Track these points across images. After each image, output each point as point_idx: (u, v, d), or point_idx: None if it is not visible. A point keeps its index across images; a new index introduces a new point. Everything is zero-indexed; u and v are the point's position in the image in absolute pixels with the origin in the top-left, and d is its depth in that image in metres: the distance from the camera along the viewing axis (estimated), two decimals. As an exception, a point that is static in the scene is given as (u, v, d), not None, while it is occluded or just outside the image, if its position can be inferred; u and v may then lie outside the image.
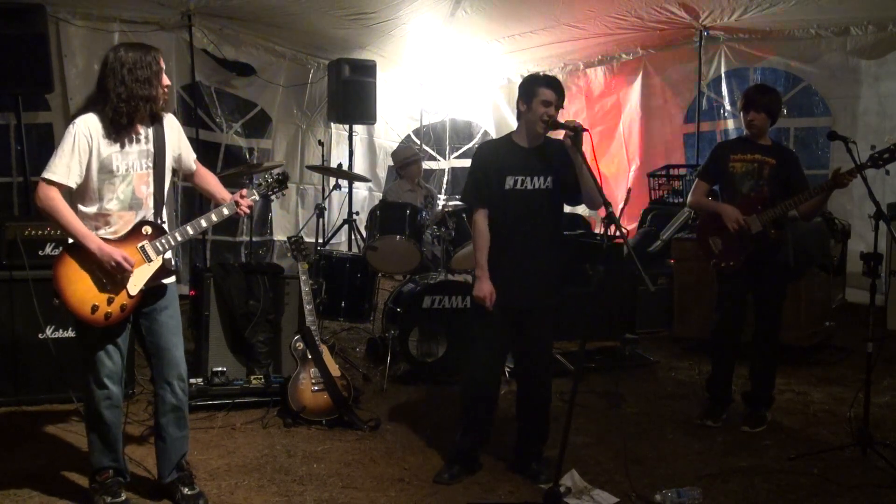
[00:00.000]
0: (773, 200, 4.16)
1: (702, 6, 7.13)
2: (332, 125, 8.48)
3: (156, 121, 3.15)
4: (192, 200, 7.26)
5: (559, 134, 3.51)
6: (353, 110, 7.69)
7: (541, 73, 3.65)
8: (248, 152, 7.94)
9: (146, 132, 3.12)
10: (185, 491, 3.26)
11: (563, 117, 3.52)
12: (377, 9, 7.00)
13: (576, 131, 3.34)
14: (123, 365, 3.22)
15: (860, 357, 4.28)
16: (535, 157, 3.55)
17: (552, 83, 3.54)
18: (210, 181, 3.48)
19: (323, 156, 7.61)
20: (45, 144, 6.42)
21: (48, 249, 4.34)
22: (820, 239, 5.67)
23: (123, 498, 3.19)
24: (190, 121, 7.21)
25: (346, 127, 8.04)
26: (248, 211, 3.33)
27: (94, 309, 3.00)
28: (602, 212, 3.55)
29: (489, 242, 3.56)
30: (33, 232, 4.32)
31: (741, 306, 4.35)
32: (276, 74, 7.91)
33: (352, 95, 7.59)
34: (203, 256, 7.28)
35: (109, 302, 3.03)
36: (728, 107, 7.89)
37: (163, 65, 3.08)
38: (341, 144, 8.51)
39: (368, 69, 7.72)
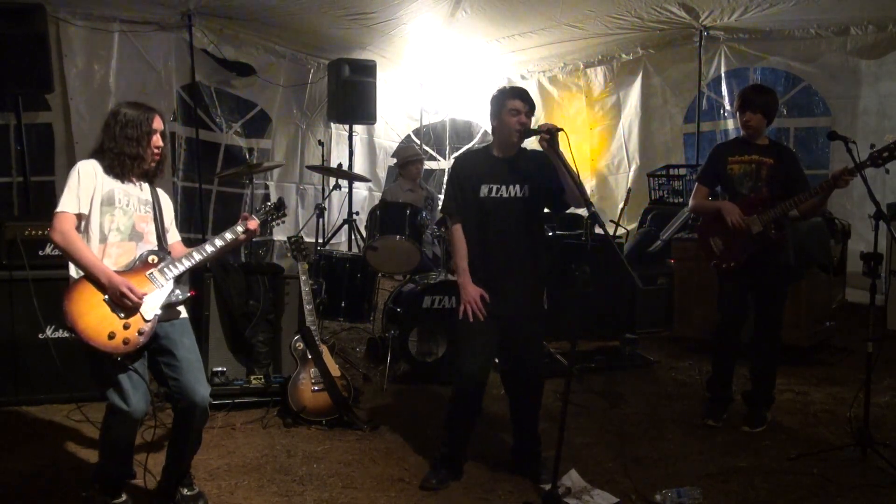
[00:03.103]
0: (772, 200, 4.16)
1: (702, 6, 7.13)
2: (332, 125, 8.49)
3: (150, 182, 3.26)
4: (191, 201, 7.27)
5: (533, 142, 3.53)
6: (353, 110, 7.70)
7: (506, 86, 3.66)
8: (247, 152, 7.94)
9: (142, 186, 3.23)
10: (185, 492, 3.26)
11: (555, 119, 3.52)
12: (377, 9, 7.01)
13: (550, 133, 3.35)
14: (147, 400, 3.10)
15: (860, 357, 4.28)
16: (510, 166, 3.58)
17: (517, 93, 3.59)
18: (184, 248, 3.47)
19: (323, 156, 7.62)
20: (45, 144, 6.42)
21: (48, 249, 4.36)
22: (820, 239, 5.67)
23: (123, 498, 3.19)
24: (190, 121, 7.22)
25: (346, 127, 8.05)
26: (254, 228, 3.37)
27: (112, 336, 2.96)
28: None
29: (468, 252, 3.59)
30: (33, 232, 4.32)
31: (742, 307, 4.34)
32: (276, 74, 7.92)
33: (352, 95, 7.60)
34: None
35: (126, 327, 3.00)
36: (728, 107, 7.89)
37: (157, 126, 3.16)
38: (341, 144, 8.52)
39: (368, 69, 7.73)
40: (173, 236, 3.36)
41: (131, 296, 2.98)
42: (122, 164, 3.11)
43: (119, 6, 6.52)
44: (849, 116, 7.12)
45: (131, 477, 3.30)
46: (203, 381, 3.20)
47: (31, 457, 3.71)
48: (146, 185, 3.25)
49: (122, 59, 6.66)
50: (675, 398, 4.91)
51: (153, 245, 3.19)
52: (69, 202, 3.04)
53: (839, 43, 7.14)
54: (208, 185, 7.44)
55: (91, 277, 3.00)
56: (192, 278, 4.88)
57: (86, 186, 3.06)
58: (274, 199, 3.69)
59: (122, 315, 2.99)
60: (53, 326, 4.35)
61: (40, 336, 4.31)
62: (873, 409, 4.04)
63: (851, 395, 4.27)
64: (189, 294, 3.23)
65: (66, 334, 4.35)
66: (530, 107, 3.55)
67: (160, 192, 3.32)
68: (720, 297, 4.41)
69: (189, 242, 3.39)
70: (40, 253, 4.34)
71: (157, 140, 3.16)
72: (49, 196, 6.10)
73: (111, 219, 3.09)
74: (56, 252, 4.28)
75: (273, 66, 7.87)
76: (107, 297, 2.98)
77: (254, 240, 7.61)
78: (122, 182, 3.14)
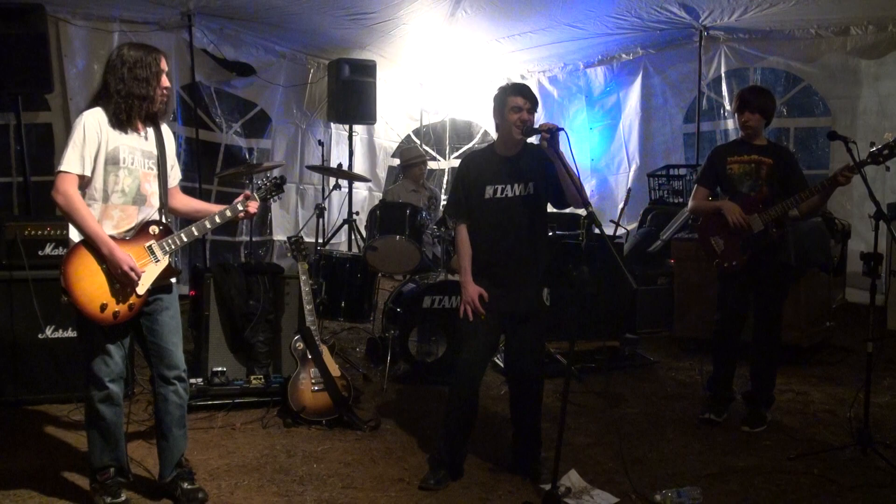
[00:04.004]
0: (772, 199, 4.17)
1: (702, 6, 7.14)
2: (332, 125, 8.49)
3: (155, 124, 3.20)
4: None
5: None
6: (353, 110, 7.70)
7: (509, 83, 3.69)
8: (247, 152, 7.95)
9: (147, 133, 3.17)
10: (185, 486, 3.26)
11: (555, 120, 3.54)
12: (377, 9, 7.01)
13: (551, 132, 3.37)
14: (125, 364, 3.23)
15: (860, 357, 4.29)
16: (515, 165, 3.59)
17: (520, 89, 3.59)
18: (193, 200, 3.49)
19: (323, 156, 7.62)
20: (45, 144, 6.42)
21: (48, 249, 4.35)
22: (820, 239, 5.67)
23: (124, 498, 3.19)
24: (190, 121, 7.22)
25: (346, 127, 8.06)
26: (254, 211, 3.37)
27: (104, 307, 3.00)
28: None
29: (473, 252, 3.61)
30: (33, 232, 4.32)
31: (743, 306, 4.35)
32: (276, 74, 7.93)
33: (352, 95, 7.60)
34: (203, 256, 7.29)
35: (118, 301, 3.03)
36: (728, 107, 7.89)
37: (164, 67, 3.12)
38: (341, 144, 8.52)
39: (368, 69, 7.73)
40: (175, 177, 3.33)
41: (132, 275, 3.00)
42: (129, 107, 3.03)
43: (119, 6, 6.51)
44: (849, 116, 7.12)
45: (126, 472, 3.29)
46: (180, 347, 3.26)
47: (31, 457, 3.71)
48: (150, 131, 3.18)
49: (122, 59, 6.66)
50: (675, 398, 4.91)
51: (155, 208, 3.18)
52: (73, 161, 2.97)
53: (839, 43, 7.14)
54: (208, 185, 7.43)
55: (92, 245, 3.00)
56: (192, 278, 4.90)
57: (91, 144, 2.99)
58: (273, 201, 3.67)
59: (118, 287, 3.01)
60: (53, 326, 4.35)
61: (40, 336, 4.31)
62: (873, 409, 4.04)
63: (851, 395, 4.27)
64: (180, 269, 3.27)
65: (66, 334, 4.36)
66: (532, 103, 3.54)
67: (164, 129, 3.26)
68: (720, 296, 4.42)
69: (189, 243, 3.38)
70: (40, 253, 4.34)
71: (165, 80, 3.13)
72: (49, 196, 6.10)
73: (115, 179, 3.05)
74: (56, 252, 4.30)
75: (273, 66, 7.88)
76: (105, 266, 3.00)
77: (254, 239, 7.71)
78: (127, 132, 3.07)
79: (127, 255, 3.02)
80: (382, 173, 9.24)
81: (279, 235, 8.19)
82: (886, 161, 3.84)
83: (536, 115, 3.58)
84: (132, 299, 3.07)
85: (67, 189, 2.96)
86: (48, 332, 4.33)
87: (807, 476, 3.65)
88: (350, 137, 7.96)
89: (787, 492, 3.50)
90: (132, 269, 3.00)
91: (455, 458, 3.65)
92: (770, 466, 3.78)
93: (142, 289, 3.08)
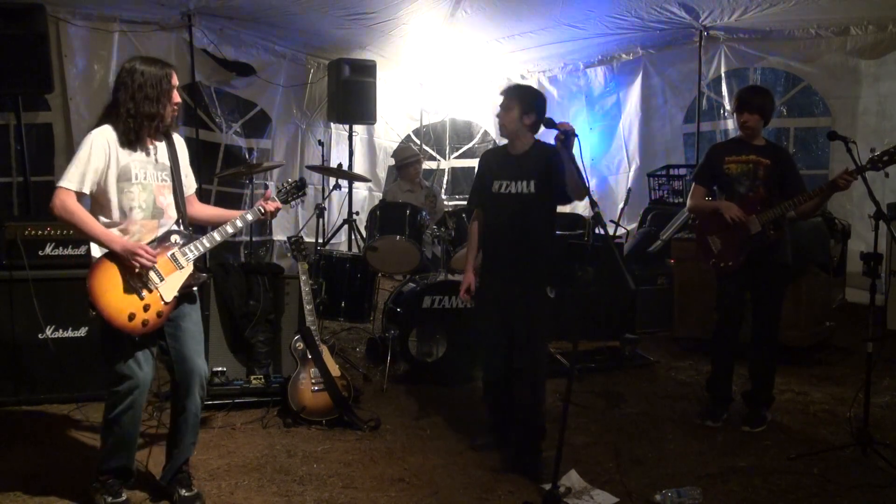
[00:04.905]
0: (770, 200, 4.17)
1: (702, 6, 7.13)
2: (332, 125, 8.50)
3: (166, 137, 3.21)
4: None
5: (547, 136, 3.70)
6: (353, 110, 7.71)
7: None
8: (247, 152, 7.95)
9: (158, 146, 3.18)
10: (183, 492, 3.25)
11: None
12: (377, 9, 7.01)
13: (566, 134, 3.47)
14: (153, 373, 3.19)
15: (860, 357, 4.29)
16: (521, 163, 3.80)
17: (502, 90, 3.91)
18: (210, 207, 3.53)
19: (323, 156, 7.62)
20: (45, 144, 6.42)
21: (48, 249, 4.35)
22: (819, 239, 5.67)
23: (124, 498, 3.19)
24: (190, 121, 7.21)
25: (346, 127, 8.06)
26: (273, 211, 3.41)
27: (132, 317, 3.01)
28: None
29: (484, 241, 3.97)
30: (33, 232, 4.32)
31: (740, 306, 4.35)
32: (276, 74, 7.93)
33: (352, 95, 7.60)
34: (203, 256, 7.27)
35: (146, 309, 3.04)
36: (728, 107, 7.89)
37: (175, 82, 3.12)
38: (341, 144, 8.52)
39: (368, 69, 7.74)
40: (190, 186, 3.34)
41: (148, 256, 2.99)
42: (139, 125, 3.02)
43: (119, 6, 6.51)
44: (849, 116, 7.12)
45: (131, 475, 3.29)
46: (202, 355, 3.26)
47: (31, 457, 3.71)
48: (162, 145, 3.17)
49: (122, 59, 6.63)
50: (675, 398, 4.91)
51: (173, 219, 3.19)
52: (73, 178, 2.97)
53: (839, 43, 7.13)
54: (208, 185, 7.43)
55: (105, 247, 3.00)
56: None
57: (96, 164, 2.99)
58: (293, 203, 3.73)
59: (144, 295, 3.02)
60: (53, 326, 4.35)
61: (40, 336, 4.31)
62: (873, 409, 4.05)
63: (851, 395, 4.27)
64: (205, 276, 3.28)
65: (66, 334, 4.36)
66: (504, 98, 3.80)
67: (177, 139, 3.25)
68: (718, 296, 4.42)
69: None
70: (40, 253, 4.34)
71: (176, 96, 3.12)
72: (49, 196, 6.10)
73: (130, 196, 3.06)
74: (56, 252, 4.31)
75: (273, 66, 7.88)
76: (128, 276, 3.00)
77: (254, 239, 7.70)
78: (137, 150, 3.06)
79: (136, 242, 3.02)
80: (382, 173, 9.24)
81: (279, 235, 8.18)
82: (886, 167, 3.86)
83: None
84: (160, 307, 3.07)
85: (65, 200, 2.97)
86: (48, 332, 4.32)
87: (807, 476, 3.65)
88: (350, 137, 7.96)
89: (787, 492, 3.50)
90: (145, 251, 2.99)
91: (499, 427, 3.93)
92: (770, 466, 3.79)
93: (169, 295, 3.09)
